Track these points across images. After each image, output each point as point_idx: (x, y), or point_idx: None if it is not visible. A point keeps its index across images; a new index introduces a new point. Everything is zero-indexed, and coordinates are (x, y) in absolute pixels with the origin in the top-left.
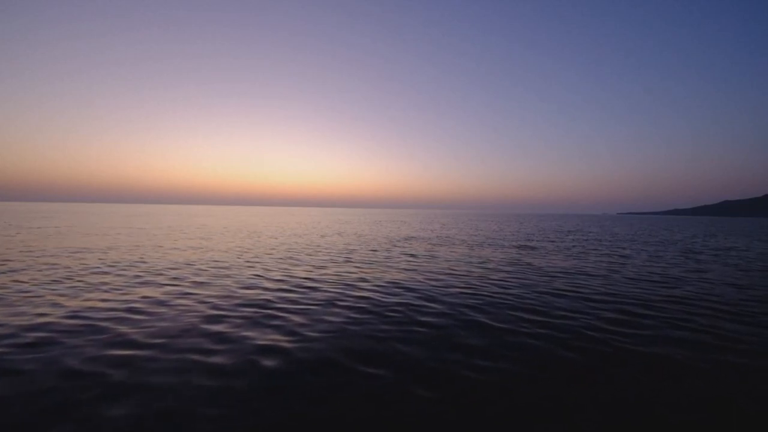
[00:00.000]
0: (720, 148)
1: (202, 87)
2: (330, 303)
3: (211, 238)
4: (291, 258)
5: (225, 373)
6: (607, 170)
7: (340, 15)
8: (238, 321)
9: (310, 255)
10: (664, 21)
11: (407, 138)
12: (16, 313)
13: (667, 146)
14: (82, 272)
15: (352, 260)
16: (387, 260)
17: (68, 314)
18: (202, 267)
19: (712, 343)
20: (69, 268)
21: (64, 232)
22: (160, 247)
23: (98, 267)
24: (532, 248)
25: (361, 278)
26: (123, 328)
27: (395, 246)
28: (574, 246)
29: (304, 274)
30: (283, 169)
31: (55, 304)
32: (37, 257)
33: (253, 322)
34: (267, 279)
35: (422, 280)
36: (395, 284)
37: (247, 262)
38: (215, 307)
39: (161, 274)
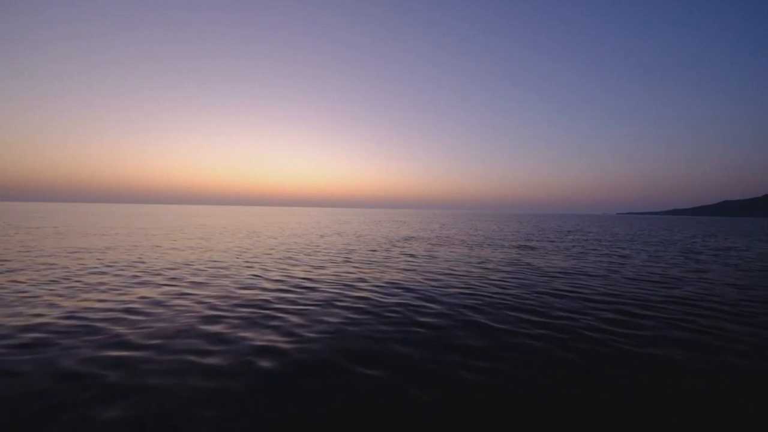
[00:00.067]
0: (720, 148)
1: (202, 87)
2: (328, 303)
3: (210, 238)
4: (290, 258)
5: (222, 374)
6: (607, 170)
7: (340, 15)
8: (236, 321)
9: (309, 255)
10: (664, 21)
11: (407, 138)
12: (12, 314)
13: (667, 146)
14: (80, 272)
15: (351, 260)
16: (386, 260)
17: (65, 315)
18: (201, 267)
19: (712, 343)
20: (67, 268)
21: (62, 232)
22: (159, 247)
23: (96, 267)
24: (532, 248)
25: (360, 278)
26: (119, 329)
27: (394, 246)
28: (573, 246)
29: (302, 275)
30: (283, 169)
31: (51, 305)
32: (35, 257)
33: (251, 323)
34: (265, 279)
35: (421, 280)
36: (394, 284)
37: (246, 262)
38: (213, 307)
39: (159, 275)
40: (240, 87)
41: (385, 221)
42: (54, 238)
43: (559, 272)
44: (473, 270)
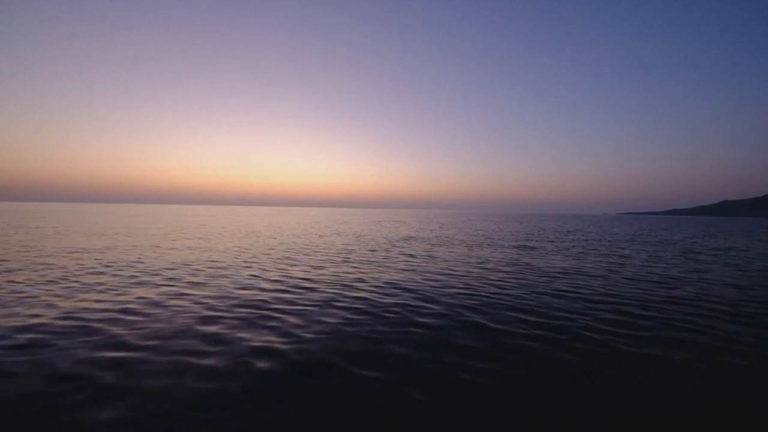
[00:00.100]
0: (720, 148)
1: (202, 87)
2: (327, 304)
3: (210, 238)
4: (289, 258)
5: (219, 375)
6: (606, 170)
7: (340, 15)
8: (234, 322)
9: (308, 255)
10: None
11: (407, 138)
12: (9, 314)
13: (667, 146)
14: (78, 272)
15: (350, 260)
16: (385, 260)
17: (62, 315)
18: (199, 267)
19: (712, 343)
20: (65, 268)
21: (62, 232)
22: (158, 247)
23: (94, 267)
24: (532, 248)
25: (359, 279)
26: (116, 330)
27: (394, 246)
28: (573, 246)
29: (301, 275)
30: (283, 169)
31: (49, 305)
32: (34, 257)
33: (249, 323)
34: (264, 279)
35: (420, 280)
36: (393, 285)
37: (245, 262)
38: (211, 307)
39: (157, 275)
40: (240, 87)
41: (384, 221)
42: (53, 238)
43: (559, 272)
44: (472, 270)
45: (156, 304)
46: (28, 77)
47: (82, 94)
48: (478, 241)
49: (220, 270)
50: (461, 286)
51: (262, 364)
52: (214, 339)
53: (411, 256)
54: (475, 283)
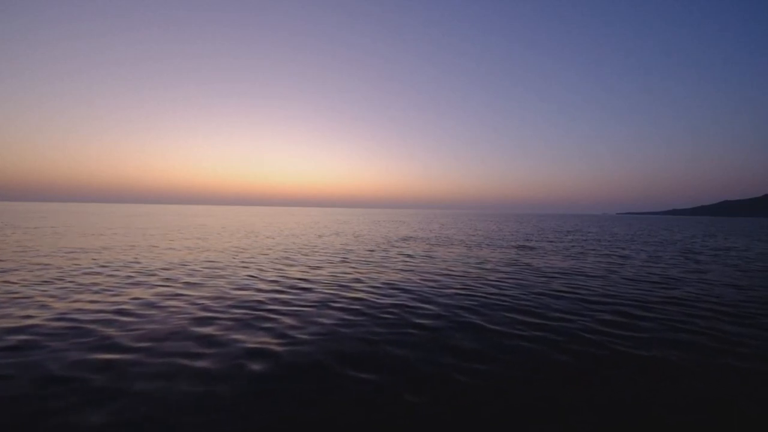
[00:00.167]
0: (720, 148)
1: (202, 87)
2: (323, 304)
3: (208, 238)
4: (287, 258)
5: (212, 377)
6: (606, 170)
7: (340, 15)
8: (229, 323)
9: (306, 255)
10: (664, 21)
11: (407, 138)
12: (1, 315)
13: (667, 146)
14: (74, 273)
15: (348, 261)
16: (384, 261)
17: (55, 316)
18: (197, 267)
19: (712, 345)
20: (61, 268)
21: (60, 232)
22: (156, 247)
23: (90, 267)
24: (531, 248)
25: (357, 279)
26: (110, 331)
27: (393, 246)
28: (572, 246)
29: (298, 275)
30: (283, 169)
31: (42, 306)
32: (31, 257)
33: (244, 324)
34: (261, 280)
35: (418, 281)
36: (391, 285)
37: (242, 262)
38: (206, 308)
39: (154, 275)
40: (240, 87)
41: (384, 221)
42: (51, 238)
43: (558, 273)
44: (471, 270)
45: (151, 304)
46: (28, 77)
47: (82, 94)
48: (477, 241)
49: (217, 270)
50: (459, 286)
51: (256, 366)
52: (209, 340)
53: (409, 256)
54: (474, 284)
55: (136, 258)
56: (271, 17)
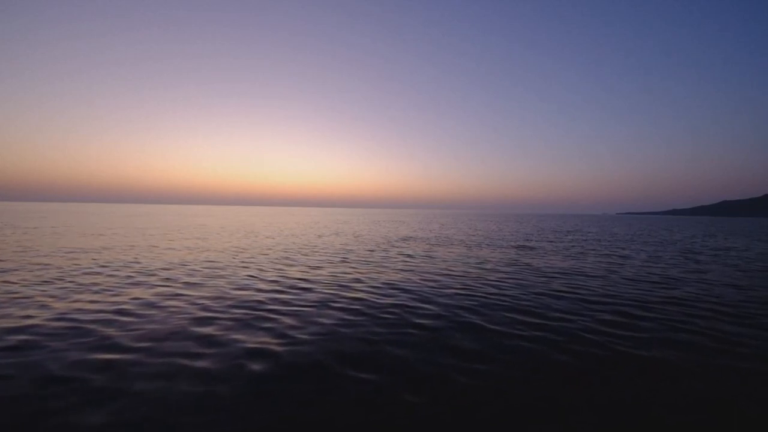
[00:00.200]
0: (719, 148)
1: (202, 87)
2: (323, 304)
3: (208, 238)
4: (286, 258)
5: (212, 378)
6: (606, 170)
7: (340, 15)
8: (229, 323)
9: (306, 255)
10: (664, 21)
11: (407, 138)
12: (1, 315)
13: (667, 146)
14: (74, 273)
15: (348, 261)
16: (383, 261)
17: (55, 316)
18: (196, 267)
19: (712, 345)
20: (61, 268)
21: (60, 232)
22: (155, 247)
23: (90, 267)
24: (531, 248)
25: (357, 279)
26: (110, 331)
27: (393, 246)
28: (572, 246)
29: (298, 275)
30: (283, 169)
31: (42, 306)
32: (31, 257)
33: (244, 324)
34: (261, 280)
35: (418, 281)
36: (390, 285)
37: (242, 262)
38: (206, 308)
39: (154, 275)
40: (240, 87)
41: (384, 221)
42: (51, 238)
43: (558, 273)
44: (471, 270)
45: (151, 305)
46: (28, 77)
47: (82, 94)
48: (477, 241)
49: (217, 270)
50: (459, 286)
51: (256, 366)
52: (209, 340)
53: (409, 256)
54: (473, 284)
55: (136, 258)
56: (271, 17)
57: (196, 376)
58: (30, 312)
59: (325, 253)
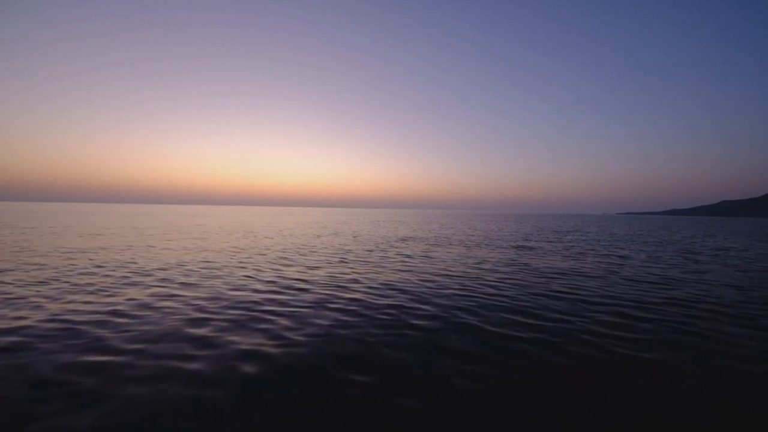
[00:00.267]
0: (719, 148)
1: (202, 87)
2: (320, 305)
3: (207, 238)
4: (284, 258)
5: (205, 380)
6: (606, 170)
7: (340, 15)
8: (224, 324)
9: (304, 255)
10: (664, 21)
11: (407, 138)
12: None
13: (667, 146)
14: (69, 273)
15: (346, 261)
16: (382, 261)
17: (48, 317)
18: (193, 268)
19: (712, 345)
20: (56, 268)
21: (58, 232)
22: (153, 247)
23: (87, 268)
24: (530, 249)
25: (354, 279)
26: (102, 332)
27: (391, 246)
28: (572, 246)
29: (296, 275)
30: (283, 169)
31: (36, 307)
32: (27, 258)
33: (239, 325)
34: (258, 280)
35: (416, 281)
36: (388, 286)
37: (240, 262)
38: (201, 309)
39: (150, 275)
40: (240, 87)
41: (384, 221)
42: (49, 238)
43: (557, 273)
44: (470, 271)
45: (146, 305)
46: (28, 77)
47: (82, 94)
48: (477, 242)
49: (214, 270)
50: (457, 287)
51: (251, 368)
52: (203, 342)
53: (408, 256)
54: (472, 284)
55: (132, 258)
56: (271, 17)
57: (189, 378)
58: (23, 313)
59: (324, 253)
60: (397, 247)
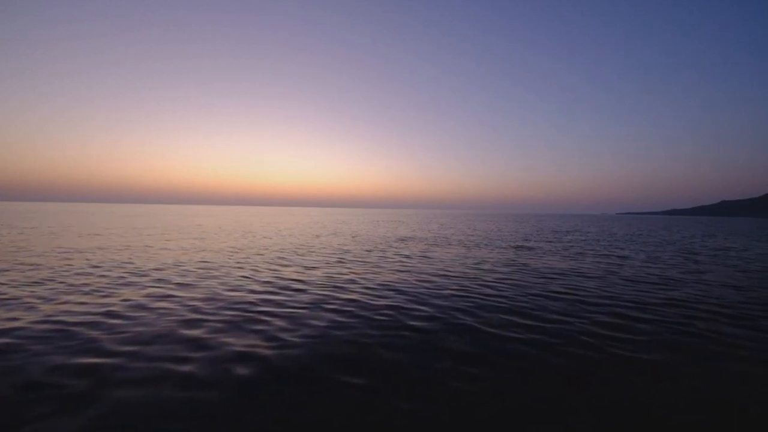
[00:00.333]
0: (719, 148)
1: (202, 87)
2: (317, 306)
3: (205, 238)
4: (282, 258)
5: (198, 382)
6: (606, 170)
7: (340, 15)
8: (219, 325)
9: (302, 256)
10: (664, 21)
11: (407, 138)
12: None
13: (667, 146)
14: (65, 273)
15: (344, 261)
16: (380, 261)
17: (41, 318)
18: (190, 268)
19: (711, 346)
20: (52, 268)
21: (57, 232)
22: (150, 247)
23: (83, 268)
24: (529, 249)
25: (352, 280)
26: (96, 334)
27: (390, 246)
28: (571, 246)
29: (293, 276)
30: (283, 169)
31: (30, 308)
32: (23, 258)
33: (234, 326)
34: (255, 281)
35: (414, 281)
36: (386, 286)
37: (237, 262)
38: (196, 310)
39: (146, 276)
40: (240, 87)
41: (383, 221)
42: (47, 238)
43: (556, 273)
44: (468, 271)
45: (141, 306)
46: (28, 77)
47: (82, 94)
48: (476, 242)
49: (211, 271)
50: (456, 287)
51: (245, 370)
52: (197, 343)
53: (407, 256)
54: (470, 285)
55: (130, 258)
56: (271, 17)
57: (183, 379)
58: (16, 314)
59: (322, 253)
60: (395, 248)
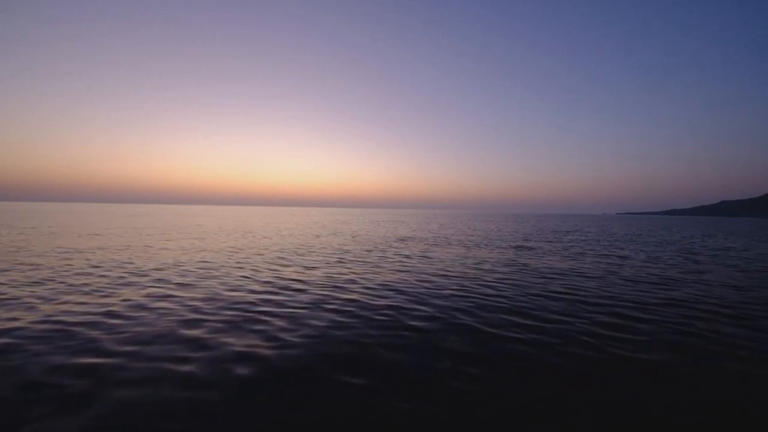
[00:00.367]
0: (719, 148)
1: (202, 87)
2: (316, 306)
3: (205, 239)
4: (282, 258)
5: (198, 382)
6: (606, 170)
7: (340, 15)
8: (218, 325)
9: (302, 256)
10: (664, 21)
11: (407, 138)
12: None
13: (667, 146)
14: (65, 273)
15: (344, 261)
16: (380, 261)
17: (41, 318)
18: (190, 268)
19: (711, 347)
20: (53, 268)
21: (57, 232)
22: (150, 247)
23: (83, 268)
24: (529, 249)
25: (352, 280)
26: (96, 334)
27: (390, 246)
28: (571, 246)
29: (293, 276)
30: (283, 169)
31: (30, 308)
32: (23, 258)
33: (234, 326)
34: (254, 281)
35: (414, 281)
36: (386, 286)
37: (237, 262)
38: (196, 310)
39: (146, 276)
40: (240, 87)
41: (383, 221)
42: (47, 238)
43: (556, 273)
44: (468, 271)
45: (141, 306)
46: (28, 77)
47: (82, 94)
48: (476, 242)
49: (211, 271)
50: (456, 287)
51: (245, 370)
52: (197, 344)
53: (406, 256)
54: (470, 285)
55: (130, 258)
56: (271, 17)
57: (183, 379)
58: (16, 314)
59: (322, 253)
60: (395, 247)
